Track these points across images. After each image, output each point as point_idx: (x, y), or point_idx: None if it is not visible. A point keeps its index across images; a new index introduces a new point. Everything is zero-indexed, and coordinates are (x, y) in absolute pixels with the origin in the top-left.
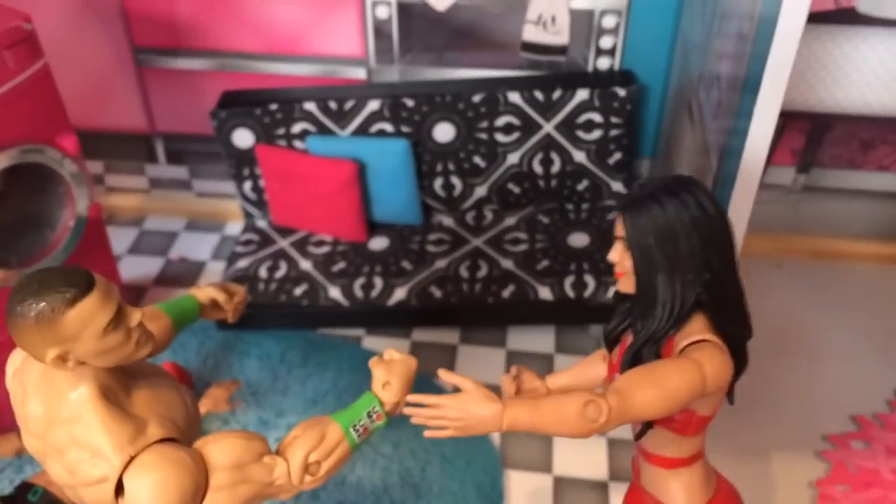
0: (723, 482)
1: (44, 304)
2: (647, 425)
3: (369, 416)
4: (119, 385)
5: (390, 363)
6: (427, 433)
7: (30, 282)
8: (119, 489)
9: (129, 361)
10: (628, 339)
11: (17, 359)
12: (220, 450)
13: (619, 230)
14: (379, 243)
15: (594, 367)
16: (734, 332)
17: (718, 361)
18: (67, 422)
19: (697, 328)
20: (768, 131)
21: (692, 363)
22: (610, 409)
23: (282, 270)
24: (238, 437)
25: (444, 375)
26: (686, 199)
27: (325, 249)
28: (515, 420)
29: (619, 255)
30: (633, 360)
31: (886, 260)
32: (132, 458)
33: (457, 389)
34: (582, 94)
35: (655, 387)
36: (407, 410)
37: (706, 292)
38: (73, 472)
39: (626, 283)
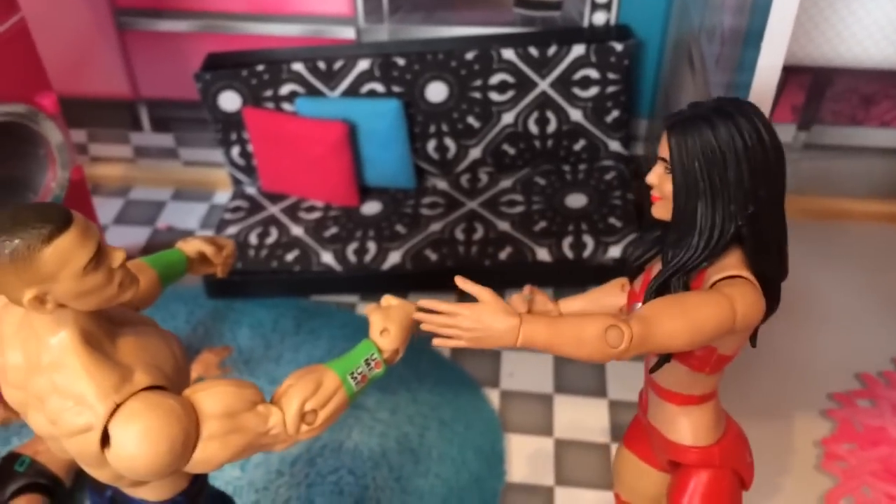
0: (732, 424)
1: (18, 240)
2: (665, 358)
3: (367, 363)
4: (103, 331)
5: (388, 309)
6: (436, 341)
7: (2, 219)
8: (105, 439)
9: (112, 304)
10: (654, 268)
11: None
12: (210, 397)
13: (663, 150)
14: (371, 207)
15: (611, 295)
16: (770, 271)
17: (751, 299)
18: (48, 369)
19: (732, 263)
20: (771, 86)
21: (724, 297)
22: (632, 335)
23: (272, 236)
24: (229, 384)
25: (462, 283)
26: (741, 124)
27: (316, 215)
28: (532, 336)
29: (658, 177)
30: (660, 289)
31: (889, 218)
32: (118, 406)
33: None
34: (578, 50)
35: (682, 318)
36: (418, 316)
37: (748, 226)
38: (55, 421)
39: (662, 209)
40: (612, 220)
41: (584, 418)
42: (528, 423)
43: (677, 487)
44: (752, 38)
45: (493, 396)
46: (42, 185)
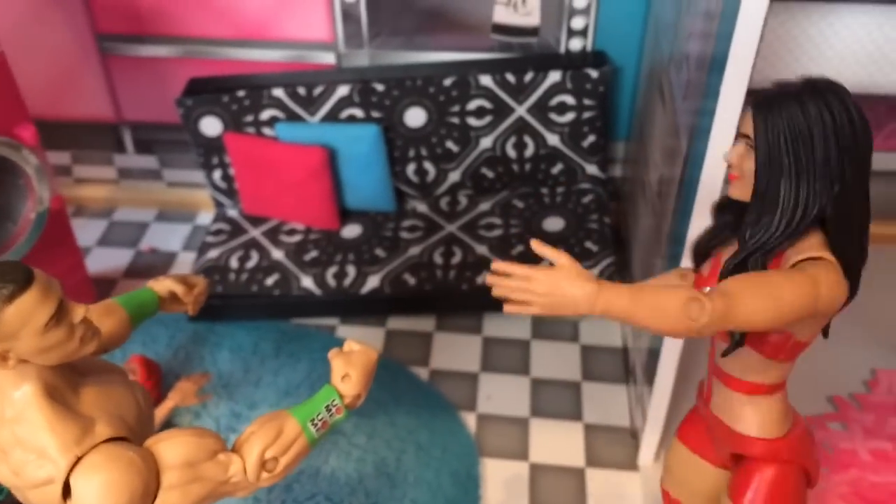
0: (799, 419)
1: None
2: (739, 342)
3: (328, 409)
4: (65, 383)
5: (350, 354)
6: (508, 307)
7: None
8: (66, 491)
9: (74, 358)
10: (724, 254)
11: None
12: (170, 448)
13: (746, 127)
14: (352, 231)
15: (671, 282)
16: (852, 254)
17: (835, 282)
18: (11, 422)
19: (813, 245)
20: (735, 110)
21: (808, 278)
22: (714, 309)
23: (253, 260)
24: (189, 434)
25: (538, 246)
26: (831, 102)
27: (297, 238)
28: (610, 304)
29: (738, 155)
30: (736, 269)
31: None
32: (79, 459)
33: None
34: (554, 76)
35: (766, 296)
36: (490, 279)
37: (832, 206)
38: (18, 473)
39: (740, 188)
40: (589, 244)
41: (560, 442)
42: (505, 447)
43: (740, 483)
44: (717, 63)
45: (470, 420)
46: (22, 214)
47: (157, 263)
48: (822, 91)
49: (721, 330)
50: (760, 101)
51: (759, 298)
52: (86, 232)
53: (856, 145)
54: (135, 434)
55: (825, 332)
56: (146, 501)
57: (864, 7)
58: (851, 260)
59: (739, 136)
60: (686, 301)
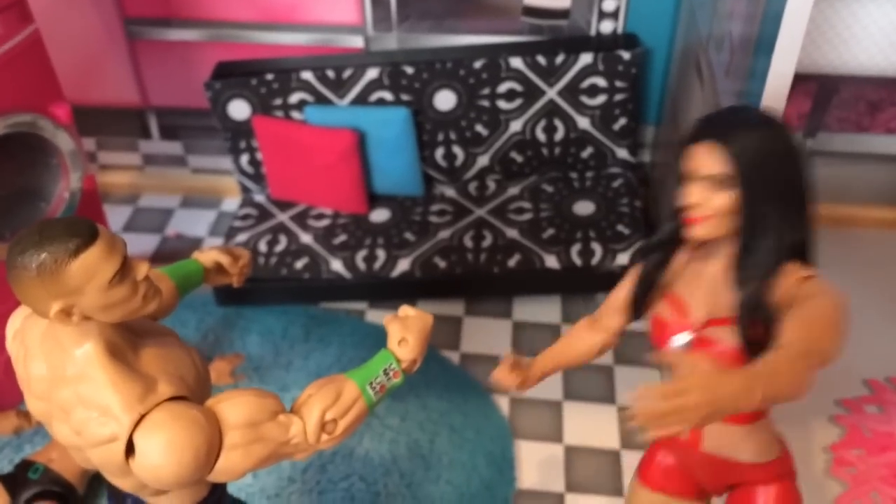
0: (783, 439)
1: (45, 254)
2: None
3: (385, 373)
4: (126, 342)
5: (406, 319)
6: (652, 435)
7: (30, 233)
8: (129, 449)
9: (136, 316)
10: (682, 291)
11: (17, 320)
12: (233, 408)
13: (704, 167)
14: (380, 215)
15: (580, 339)
16: (814, 262)
17: (833, 289)
18: (73, 380)
19: (792, 267)
20: (782, 94)
21: (831, 298)
22: (814, 363)
23: (282, 244)
24: (251, 394)
25: (668, 356)
26: (777, 126)
27: (325, 222)
28: (771, 381)
29: (702, 195)
30: (753, 305)
31: (894, 225)
32: (142, 417)
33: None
34: (585, 59)
35: (836, 332)
36: (633, 413)
37: (808, 223)
38: (80, 432)
39: (708, 227)
40: (620, 228)
41: (593, 425)
42: (538, 429)
43: None
44: (763, 46)
45: (503, 402)
46: (55, 194)
47: (184, 249)
48: (769, 118)
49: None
50: (719, 135)
51: (834, 340)
52: (111, 218)
53: (805, 163)
54: (194, 394)
55: None
56: (209, 460)
57: None
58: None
59: (693, 177)
60: (801, 358)
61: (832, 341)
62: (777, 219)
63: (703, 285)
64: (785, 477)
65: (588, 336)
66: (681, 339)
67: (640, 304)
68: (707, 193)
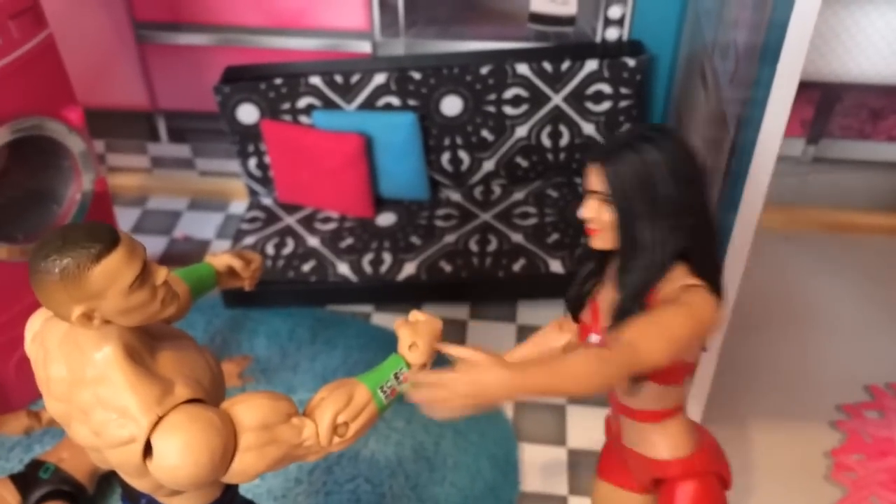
0: (703, 430)
1: (68, 259)
2: (640, 380)
3: (396, 377)
4: (144, 346)
5: (416, 324)
6: (430, 412)
7: (53, 238)
8: (147, 450)
9: (155, 320)
10: (599, 298)
11: (36, 322)
12: (247, 410)
13: (594, 184)
14: (386, 219)
15: (551, 337)
16: (712, 273)
17: (711, 304)
18: (92, 382)
19: (679, 274)
20: (787, 102)
21: (689, 308)
22: (621, 362)
23: (289, 247)
24: (265, 397)
25: (446, 349)
26: (661, 144)
27: (331, 226)
28: (529, 384)
29: (594, 209)
30: (620, 314)
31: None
32: (160, 419)
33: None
34: (591, 65)
35: (660, 337)
36: (411, 393)
37: (691, 237)
38: (99, 433)
39: (603, 239)
40: None
41: (596, 428)
42: (542, 432)
43: (666, 503)
44: (768, 54)
45: (507, 406)
46: (67, 197)
47: (192, 251)
48: (651, 136)
49: (630, 376)
50: (604, 155)
51: (655, 340)
52: (120, 220)
53: (696, 177)
54: (210, 396)
55: (705, 346)
56: (224, 462)
57: None
58: (713, 277)
59: (589, 192)
60: (596, 359)
61: (658, 349)
62: (649, 238)
63: (611, 292)
64: (704, 473)
65: (557, 336)
66: (592, 340)
67: (575, 309)
68: (599, 208)
